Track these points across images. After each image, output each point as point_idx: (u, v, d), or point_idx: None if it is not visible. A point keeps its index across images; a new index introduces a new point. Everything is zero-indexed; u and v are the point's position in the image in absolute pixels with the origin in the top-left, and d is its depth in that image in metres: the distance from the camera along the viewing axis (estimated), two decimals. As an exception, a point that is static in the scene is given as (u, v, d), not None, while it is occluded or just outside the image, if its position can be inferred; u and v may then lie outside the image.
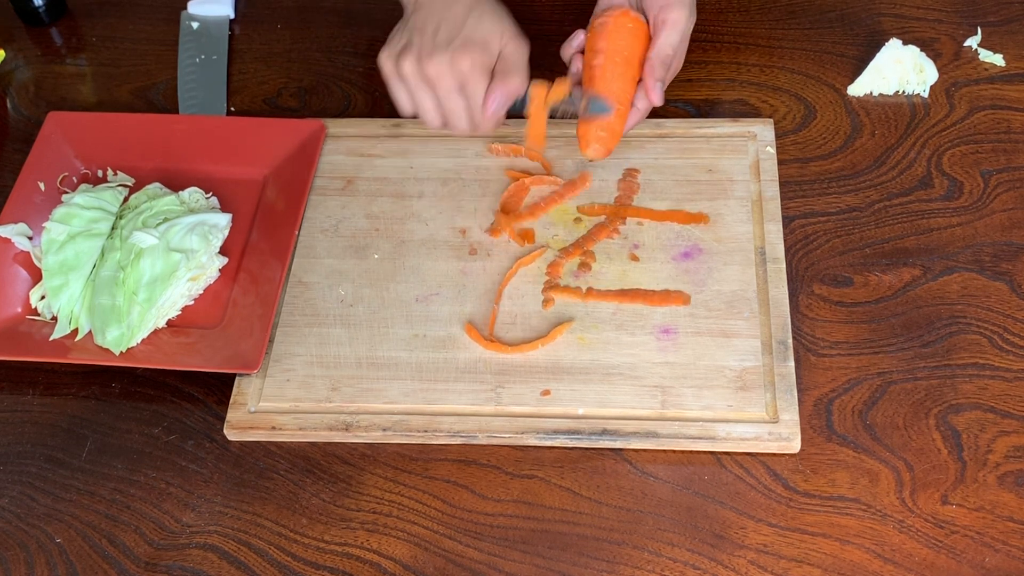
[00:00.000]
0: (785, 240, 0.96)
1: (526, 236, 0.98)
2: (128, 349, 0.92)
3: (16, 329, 0.95)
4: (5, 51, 1.19)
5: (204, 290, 0.97)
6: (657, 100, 0.93)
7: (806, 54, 1.11)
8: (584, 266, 0.95)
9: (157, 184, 1.02)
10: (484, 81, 0.90)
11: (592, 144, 0.93)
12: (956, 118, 1.05)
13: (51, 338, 0.94)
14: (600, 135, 0.93)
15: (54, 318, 0.95)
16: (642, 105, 0.94)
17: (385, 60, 0.92)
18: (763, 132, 1.03)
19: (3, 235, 0.99)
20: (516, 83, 0.91)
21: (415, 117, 0.93)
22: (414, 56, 0.89)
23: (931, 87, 1.07)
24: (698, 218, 0.97)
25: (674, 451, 0.86)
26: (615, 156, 1.02)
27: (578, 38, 0.96)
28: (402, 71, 0.90)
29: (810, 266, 0.96)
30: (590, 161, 0.96)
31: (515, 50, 0.91)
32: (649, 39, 0.95)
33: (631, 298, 0.92)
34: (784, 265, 0.94)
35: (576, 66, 0.96)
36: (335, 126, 1.07)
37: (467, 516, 0.84)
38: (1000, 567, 0.79)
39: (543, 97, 0.93)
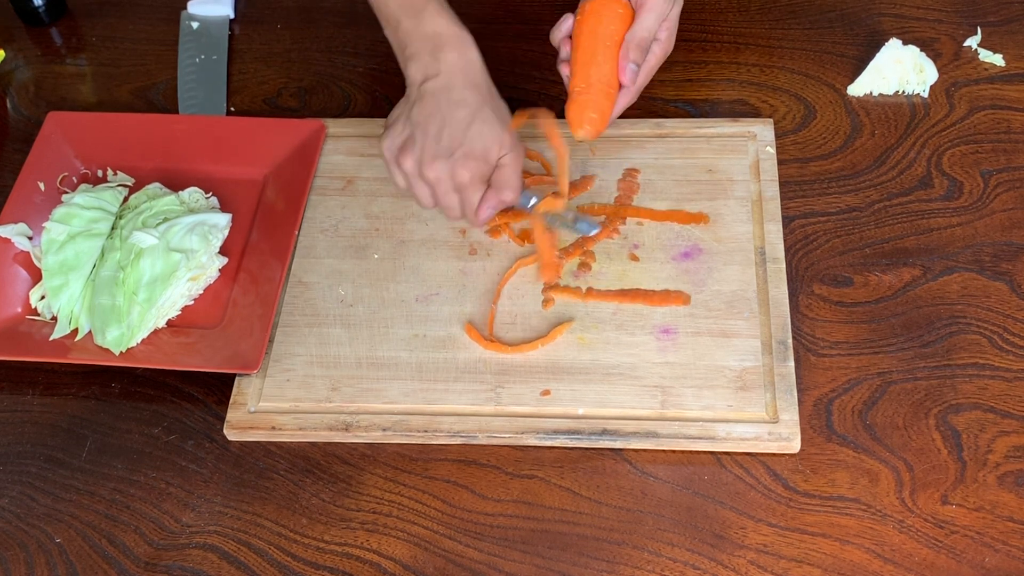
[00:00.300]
0: (785, 240, 0.96)
1: (526, 236, 0.98)
2: (128, 349, 0.92)
3: (16, 329, 0.95)
4: (5, 51, 1.19)
5: (204, 290, 0.97)
6: (628, 82, 0.93)
7: (806, 54, 1.11)
8: (584, 266, 0.95)
9: (157, 184, 1.02)
10: (480, 190, 0.91)
11: (584, 126, 0.93)
12: (956, 118, 1.05)
13: (51, 338, 0.94)
14: (591, 116, 0.93)
15: (54, 318, 0.95)
16: (630, 86, 0.95)
17: (386, 149, 0.93)
18: (763, 132, 1.03)
19: (3, 235, 0.99)
20: (510, 196, 0.92)
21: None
22: (415, 157, 0.91)
23: (931, 87, 1.07)
24: (698, 218, 0.97)
25: (674, 451, 0.86)
26: (615, 156, 1.02)
27: (567, 23, 0.97)
28: (403, 166, 0.92)
29: (810, 266, 0.96)
30: (579, 141, 0.96)
31: (512, 161, 0.92)
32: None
33: (631, 298, 0.92)
34: (784, 265, 0.94)
35: (564, 51, 0.96)
36: (335, 126, 1.07)
37: (467, 516, 0.84)
38: (1000, 567, 0.79)
39: (542, 223, 0.94)
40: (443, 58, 0.92)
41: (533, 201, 0.94)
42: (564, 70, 0.96)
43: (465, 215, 0.93)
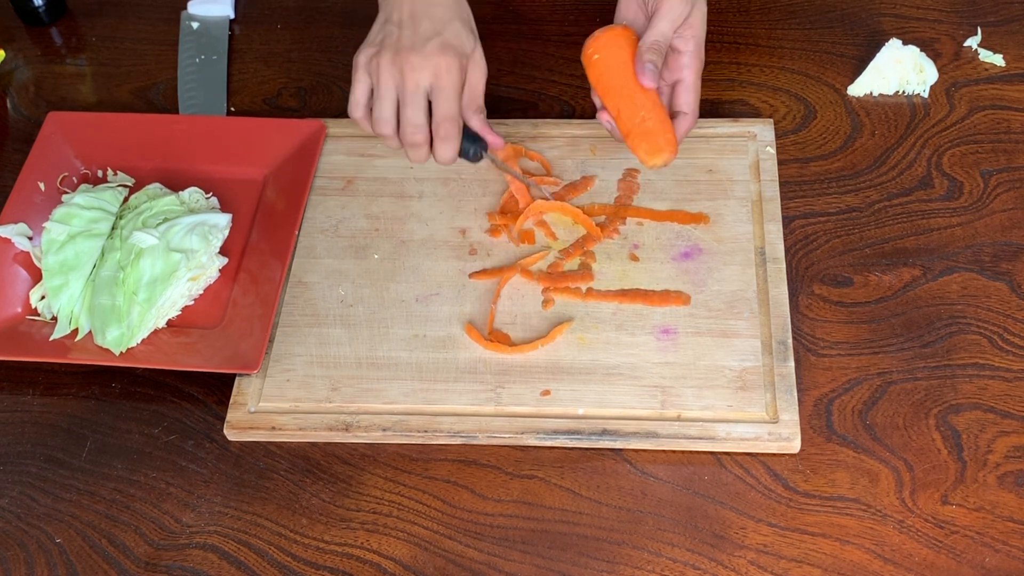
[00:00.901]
0: (785, 240, 0.96)
1: (525, 237, 0.98)
2: (128, 349, 0.92)
3: (16, 329, 0.95)
4: (5, 51, 1.19)
5: (204, 290, 0.97)
6: (648, 81, 0.90)
7: (806, 54, 1.11)
8: (584, 266, 0.95)
9: (157, 184, 1.02)
10: (457, 87, 0.89)
11: (660, 152, 0.91)
12: (956, 118, 1.05)
13: (51, 338, 0.94)
14: (662, 141, 0.91)
15: (54, 318, 0.95)
16: (688, 109, 0.93)
17: (360, 53, 0.91)
18: (763, 132, 1.03)
19: (3, 235, 0.99)
20: (478, 107, 0.92)
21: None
22: (392, 48, 0.89)
23: (931, 87, 1.07)
24: (698, 218, 0.97)
25: (674, 451, 0.86)
26: (615, 156, 1.02)
27: (603, 116, 0.95)
28: (378, 62, 0.89)
29: (810, 266, 0.96)
30: (650, 168, 0.93)
31: (482, 66, 0.92)
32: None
33: (631, 298, 0.92)
34: (784, 265, 0.94)
35: (598, 100, 0.95)
36: (335, 126, 1.07)
37: (467, 516, 0.84)
38: (1000, 567, 0.79)
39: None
40: None
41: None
42: (604, 118, 0.95)
43: (425, 132, 0.89)
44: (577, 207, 0.98)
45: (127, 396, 0.93)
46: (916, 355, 0.90)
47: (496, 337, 0.91)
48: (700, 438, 0.85)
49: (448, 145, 0.90)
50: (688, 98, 0.94)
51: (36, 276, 0.98)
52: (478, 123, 0.93)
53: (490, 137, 0.94)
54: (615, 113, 0.93)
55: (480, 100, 0.93)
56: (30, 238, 1.00)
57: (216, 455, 0.89)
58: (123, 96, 1.15)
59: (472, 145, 0.93)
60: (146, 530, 0.85)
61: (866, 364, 0.89)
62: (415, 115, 0.89)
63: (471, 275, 0.95)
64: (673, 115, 0.94)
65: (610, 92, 0.93)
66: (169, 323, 0.95)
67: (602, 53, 0.94)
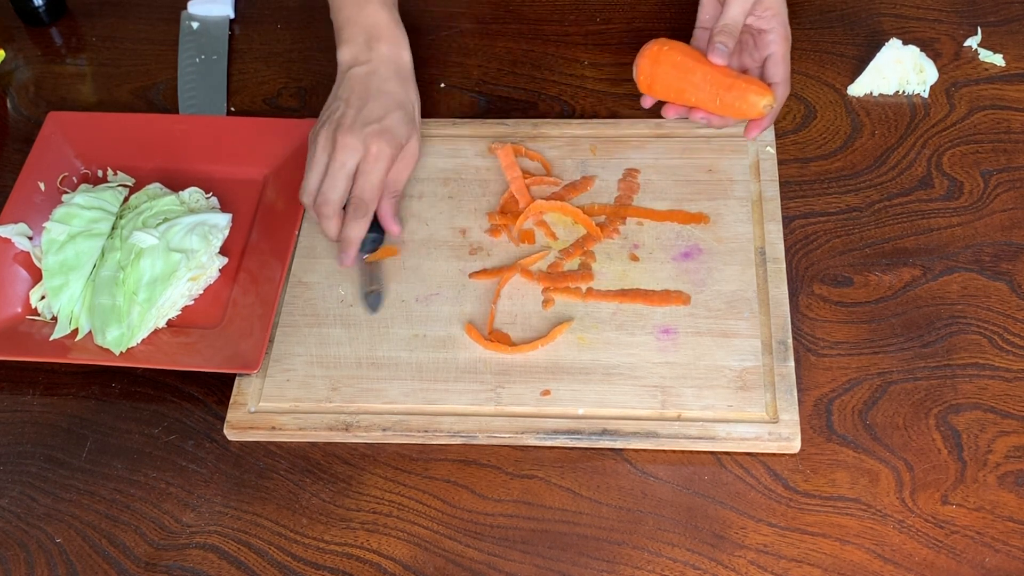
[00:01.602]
0: (785, 240, 0.96)
1: (525, 237, 0.98)
2: (128, 349, 0.92)
3: (16, 329, 0.95)
4: (5, 51, 1.19)
5: (204, 290, 0.97)
6: (719, 59, 0.95)
7: (806, 54, 1.11)
8: (584, 266, 0.95)
9: (157, 184, 1.02)
10: (381, 172, 0.93)
11: (764, 95, 0.94)
12: (956, 118, 1.05)
13: (51, 338, 0.94)
14: (759, 87, 0.95)
15: (54, 318, 0.95)
16: (779, 79, 0.97)
17: (312, 131, 0.96)
18: (763, 132, 1.02)
19: (3, 235, 0.99)
20: (399, 189, 0.96)
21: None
22: (335, 123, 0.93)
23: (931, 87, 1.07)
24: (698, 218, 0.97)
25: (674, 451, 0.86)
26: (615, 156, 1.02)
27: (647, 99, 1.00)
28: (320, 134, 0.94)
29: (810, 266, 0.96)
30: (760, 114, 0.96)
31: (406, 167, 0.96)
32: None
33: (631, 298, 0.92)
34: (784, 265, 0.94)
35: (674, 113, 1.00)
36: (335, 126, 1.07)
37: (467, 516, 0.84)
38: (1000, 567, 0.79)
39: None
40: (376, 47, 0.97)
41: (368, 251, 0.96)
42: (671, 113, 0.99)
43: (341, 202, 0.92)
44: (577, 207, 0.98)
45: (127, 396, 0.93)
46: (916, 355, 0.90)
47: (496, 337, 0.91)
48: (700, 438, 0.85)
49: (357, 224, 0.93)
50: (779, 69, 0.97)
51: (36, 276, 0.98)
52: (386, 207, 0.95)
53: (392, 226, 0.96)
54: (696, 104, 0.97)
55: (399, 187, 0.97)
56: (30, 238, 1.00)
57: (216, 455, 0.89)
58: (123, 96, 1.15)
59: (371, 235, 0.95)
60: (146, 530, 0.85)
61: (866, 364, 0.89)
62: (332, 190, 0.92)
63: (471, 275, 0.95)
64: None
65: (685, 87, 0.96)
66: (169, 323, 0.95)
67: (660, 60, 0.97)
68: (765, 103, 0.94)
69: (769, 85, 0.97)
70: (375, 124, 0.93)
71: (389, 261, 0.97)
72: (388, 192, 0.95)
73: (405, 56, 0.99)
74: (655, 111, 1.04)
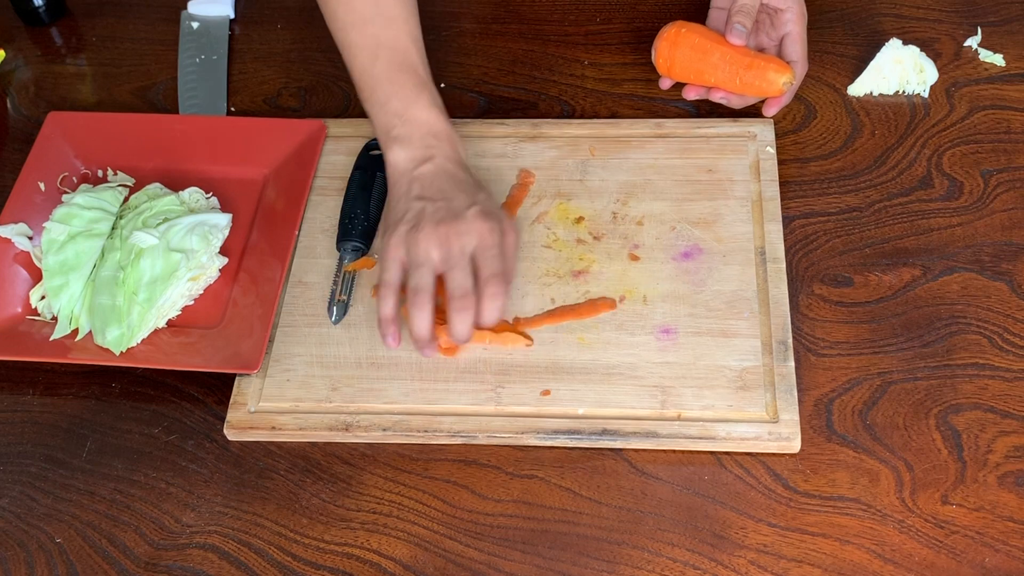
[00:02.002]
0: (785, 240, 0.96)
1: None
2: (128, 349, 0.92)
3: (16, 329, 0.95)
4: (5, 51, 1.19)
5: (204, 290, 0.97)
6: (737, 40, 0.97)
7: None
8: (582, 272, 0.95)
9: (157, 184, 1.02)
10: (501, 247, 0.87)
11: (783, 73, 0.97)
12: (956, 118, 1.05)
13: (51, 338, 0.94)
14: (779, 64, 0.97)
15: (54, 318, 0.95)
16: (797, 57, 1.00)
17: (392, 234, 0.88)
18: (763, 132, 1.03)
19: (3, 235, 0.99)
20: (511, 277, 0.89)
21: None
22: (431, 219, 0.86)
23: (931, 87, 1.07)
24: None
25: (674, 451, 0.86)
26: (615, 156, 1.02)
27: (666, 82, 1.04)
28: (418, 233, 0.86)
29: (810, 266, 0.96)
30: (780, 92, 0.98)
31: (515, 241, 0.90)
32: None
33: (560, 316, 0.91)
34: (784, 265, 0.94)
35: (694, 94, 1.02)
36: (335, 126, 1.07)
37: (467, 516, 0.84)
38: (1000, 567, 0.79)
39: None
40: (437, 146, 0.91)
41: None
42: (691, 94, 1.02)
43: (486, 286, 0.85)
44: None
45: (127, 396, 0.93)
46: (916, 355, 0.90)
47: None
48: (700, 438, 0.85)
49: (495, 304, 0.85)
50: (796, 48, 1.00)
51: (36, 276, 0.98)
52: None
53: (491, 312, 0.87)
54: (716, 84, 0.99)
55: (513, 267, 0.90)
56: (30, 238, 1.00)
57: (216, 455, 0.89)
58: (123, 96, 1.15)
59: (353, 243, 0.95)
60: (146, 530, 0.85)
61: (866, 364, 0.89)
62: (464, 278, 0.85)
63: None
64: None
65: (704, 68, 0.99)
66: (169, 323, 0.95)
67: (679, 42, 0.99)
68: (784, 80, 0.97)
69: (787, 63, 0.99)
70: (474, 207, 0.87)
71: (364, 272, 0.97)
72: (508, 276, 0.88)
73: (463, 154, 0.93)
74: (656, 110, 1.05)
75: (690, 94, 1.02)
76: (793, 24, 1.00)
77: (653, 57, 1.01)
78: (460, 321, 0.85)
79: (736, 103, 1.01)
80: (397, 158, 0.91)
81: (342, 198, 1.01)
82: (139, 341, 0.93)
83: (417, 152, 0.91)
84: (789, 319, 0.90)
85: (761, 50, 1.02)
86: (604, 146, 1.03)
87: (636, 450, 0.86)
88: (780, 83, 0.97)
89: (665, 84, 1.03)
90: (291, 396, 0.90)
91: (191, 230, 0.95)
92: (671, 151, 1.02)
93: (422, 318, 0.86)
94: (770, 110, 1.01)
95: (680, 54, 1.00)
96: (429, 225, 0.86)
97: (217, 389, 0.92)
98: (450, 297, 0.86)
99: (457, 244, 0.86)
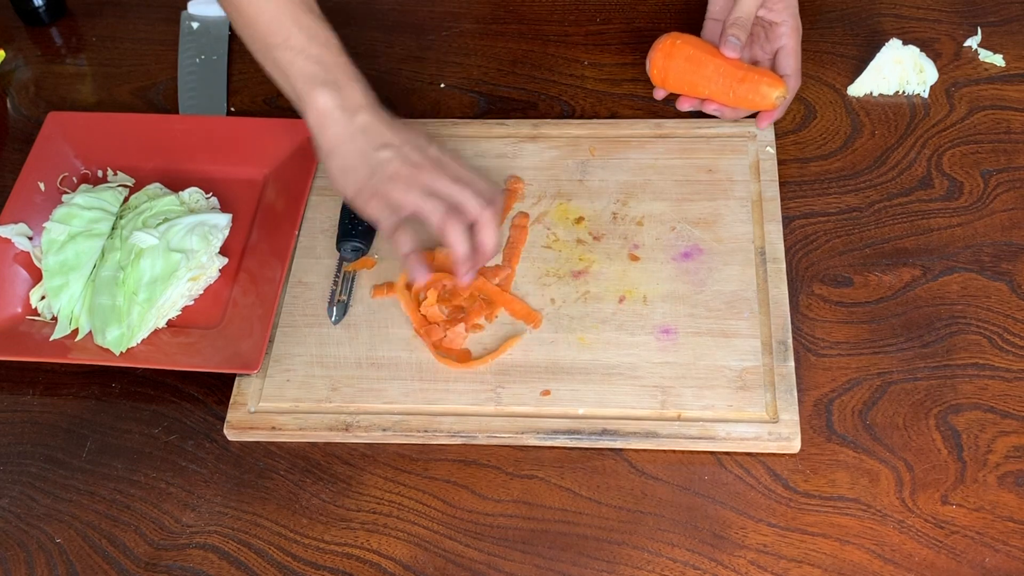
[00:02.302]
0: (785, 240, 0.96)
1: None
2: (128, 349, 0.92)
3: (16, 329, 0.95)
4: (5, 51, 1.19)
5: (204, 290, 0.97)
6: (731, 53, 0.96)
7: (806, 54, 1.11)
8: (581, 272, 0.95)
9: (157, 184, 1.02)
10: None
11: (776, 87, 0.97)
12: (956, 118, 1.05)
13: (51, 338, 0.94)
14: (772, 78, 0.97)
15: (54, 318, 0.95)
16: (790, 71, 1.00)
17: (359, 189, 0.90)
18: (763, 132, 1.03)
19: (3, 235, 0.99)
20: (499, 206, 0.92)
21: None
22: (409, 162, 0.89)
23: (931, 87, 1.07)
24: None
25: (674, 451, 0.86)
26: (615, 156, 1.02)
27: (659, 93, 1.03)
28: (384, 180, 0.88)
29: (810, 266, 0.96)
30: (773, 105, 0.98)
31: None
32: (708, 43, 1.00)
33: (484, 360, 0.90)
34: (784, 265, 0.94)
35: (688, 105, 1.01)
36: (335, 126, 1.07)
37: (467, 516, 0.84)
38: (1000, 567, 0.79)
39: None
40: (363, 92, 0.91)
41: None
42: (685, 105, 1.01)
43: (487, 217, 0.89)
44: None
45: (127, 396, 0.93)
46: (916, 355, 0.90)
47: (453, 352, 0.91)
48: (700, 438, 0.85)
49: (495, 211, 0.90)
50: (790, 61, 1.00)
51: (36, 276, 0.98)
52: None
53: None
54: (709, 96, 0.99)
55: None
56: (30, 238, 1.00)
57: (216, 455, 0.89)
58: (123, 96, 1.15)
59: (353, 243, 0.96)
60: (146, 530, 0.85)
61: (866, 364, 0.89)
62: (471, 196, 0.88)
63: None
64: None
65: (698, 80, 0.99)
66: (169, 323, 0.95)
67: (673, 54, 0.99)
68: (778, 95, 0.96)
69: (780, 76, 0.99)
70: (424, 136, 0.91)
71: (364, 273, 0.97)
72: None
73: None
74: (656, 110, 1.05)
75: (684, 105, 1.01)
76: (787, 38, 1.00)
77: (648, 68, 1.01)
78: (490, 230, 0.89)
79: (729, 115, 1.01)
80: (326, 104, 0.90)
81: (342, 198, 1.01)
82: (139, 341, 0.93)
83: (350, 100, 0.90)
84: (789, 319, 0.90)
85: (755, 63, 1.02)
86: (604, 146, 1.03)
87: (636, 450, 0.86)
88: (773, 97, 0.97)
89: (659, 94, 1.03)
90: (291, 396, 0.90)
91: (191, 230, 0.95)
92: (671, 151, 1.02)
93: (456, 236, 0.88)
94: (763, 123, 1.00)
95: (674, 65, 0.99)
96: (412, 168, 0.88)
97: (217, 389, 0.92)
98: (474, 216, 0.88)
99: (446, 172, 0.89)
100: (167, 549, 0.84)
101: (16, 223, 1.00)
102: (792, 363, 0.88)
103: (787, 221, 0.98)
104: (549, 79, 1.12)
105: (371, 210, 0.90)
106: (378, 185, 0.89)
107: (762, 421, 0.85)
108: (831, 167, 1.02)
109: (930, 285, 0.94)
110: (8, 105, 1.16)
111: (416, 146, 0.90)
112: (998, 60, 1.09)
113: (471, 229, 0.89)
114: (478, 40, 1.16)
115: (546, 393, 0.88)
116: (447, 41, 1.16)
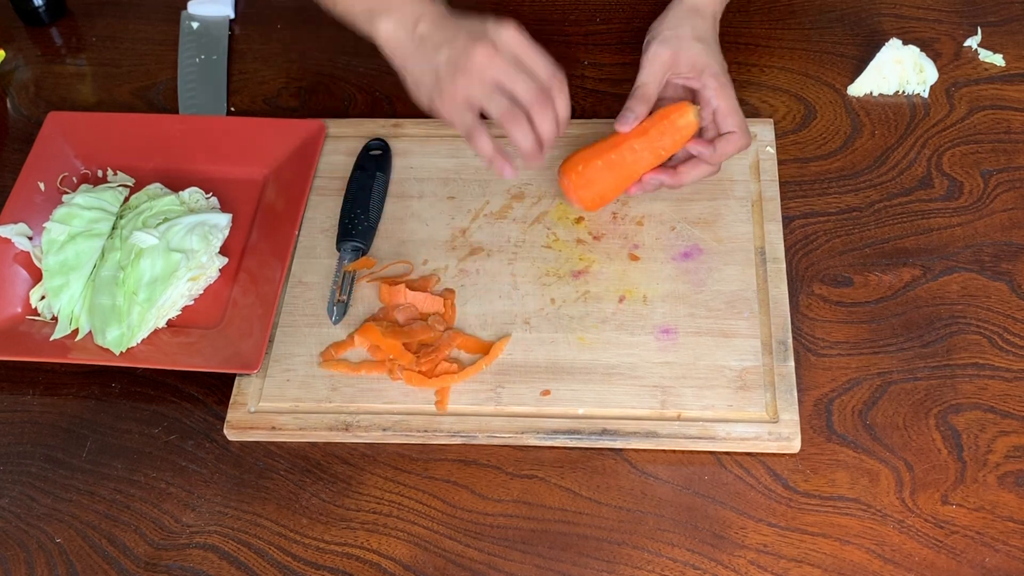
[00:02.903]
0: (785, 240, 0.96)
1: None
2: (128, 349, 0.92)
3: (16, 329, 0.95)
4: (5, 51, 1.19)
5: (204, 290, 0.97)
6: (621, 128, 0.92)
7: (806, 54, 1.11)
8: (581, 272, 0.95)
9: (157, 184, 1.02)
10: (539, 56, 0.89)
11: (582, 203, 0.95)
12: (956, 118, 1.05)
13: (51, 338, 0.94)
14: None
15: (54, 318, 0.95)
16: (734, 127, 0.93)
17: (437, 95, 0.89)
18: (763, 132, 1.03)
19: (3, 235, 0.99)
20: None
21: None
22: (453, 62, 0.87)
23: (931, 87, 1.07)
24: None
25: (674, 451, 0.86)
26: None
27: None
28: (441, 87, 0.88)
29: (810, 266, 0.96)
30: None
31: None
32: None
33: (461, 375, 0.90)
34: (784, 265, 0.94)
35: (638, 190, 0.96)
36: (335, 126, 1.07)
37: (467, 516, 0.84)
38: (1000, 567, 0.79)
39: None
40: (421, 5, 0.91)
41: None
42: (636, 190, 0.95)
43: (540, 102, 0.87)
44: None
45: (127, 396, 0.93)
46: (916, 355, 0.90)
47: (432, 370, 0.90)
48: (700, 438, 0.85)
49: (564, 93, 0.89)
50: (729, 121, 0.93)
51: (36, 276, 0.98)
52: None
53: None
54: (648, 172, 0.93)
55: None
56: (30, 238, 1.00)
57: (216, 455, 0.89)
58: (123, 96, 1.15)
59: (353, 243, 0.96)
60: (146, 530, 0.85)
61: (866, 364, 0.89)
62: (526, 82, 0.87)
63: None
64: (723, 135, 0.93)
65: (628, 174, 0.93)
66: (169, 323, 0.95)
67: (590, 180, 0.94)
68: (694, 113, 0.91)
69: (727, 134, 0.92)
70: (488, 24, 0.88)
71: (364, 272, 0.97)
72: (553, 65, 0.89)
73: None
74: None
75: (635, 190, 0.95)
76: (718, 99, 0.92)
77: (577, 205, 0.96)
78: (545, 120, 0.87)
79: (709, 158, 0.93)
80: (388, 29, 0.91)
81: (342, 198, 1.01)
82: (139, 341, 0.93)
83: (407, 17, 0.91)
84: (789, 319, 0.90)
85: (701, 130, 0.94)
86: (604, 146, 1.03)
87: (636, 450, 0.86)
88: (691, 117, 0.90)
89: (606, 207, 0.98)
90: (291, 396, 0.90)
91: (191, 230, 0.95)
92: (671, 151, 1.02)
93: (522, 133, 0.87)
94: (703, 149, 0.93)
95: (599, 186, 0.94)
96: (467, 60, 0.87)
97: (217, 389, 0.92)
98: (528, 105, 0.87)
99: (501, 58, 0.87)
100: (167, 549, 0.84)
101: (16, 223, 1.00)
102: (792, 363, 0.88)
103: (787, 221, 0.98)
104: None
105: (446, 114, 0.90)
106: (444, 87, 0.88)
107: (762, 421, 0.85)
108: (831, 167, 1.02)
109: (930, 285, 0.94)
110: (8, 105, 1.16)
111: (471, 35, 0.87)
112: (998, 60, 1.09)
113: (530, 120, 0.87)
114: (478, 40, 1.16)
115: (546, 393, 0.88)
116: (447, 41, 1.16)
